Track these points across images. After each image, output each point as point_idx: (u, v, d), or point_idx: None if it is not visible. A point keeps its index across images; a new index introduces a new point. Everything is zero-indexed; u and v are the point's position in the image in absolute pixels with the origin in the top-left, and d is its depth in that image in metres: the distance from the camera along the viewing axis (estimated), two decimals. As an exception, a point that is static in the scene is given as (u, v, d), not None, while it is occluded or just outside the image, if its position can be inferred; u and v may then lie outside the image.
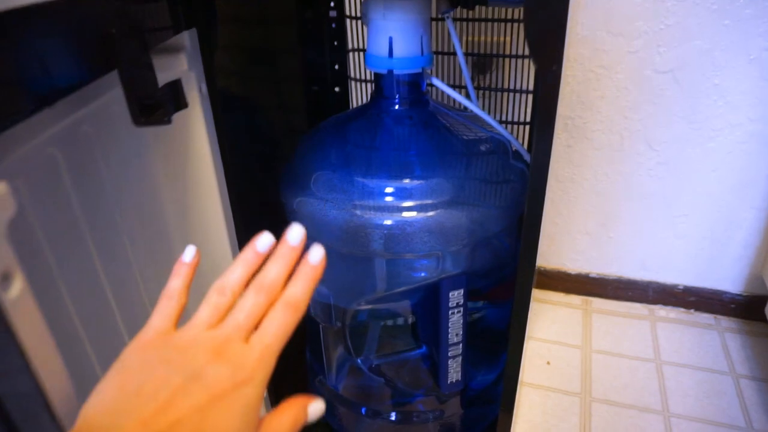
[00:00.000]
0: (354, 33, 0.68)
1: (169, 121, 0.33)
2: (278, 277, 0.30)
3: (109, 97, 0.37)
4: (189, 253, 0.32)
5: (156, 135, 0.45)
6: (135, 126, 0.32)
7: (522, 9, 0.63)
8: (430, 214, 0.45)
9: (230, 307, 0.29)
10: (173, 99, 0.34)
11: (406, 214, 0.45)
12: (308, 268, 0.31)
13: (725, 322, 0.87)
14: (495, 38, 0.68)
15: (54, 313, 0.39)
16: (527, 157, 0.56)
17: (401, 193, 0.46)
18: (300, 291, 0.30)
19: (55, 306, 0.35)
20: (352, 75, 0.70)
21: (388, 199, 0.46)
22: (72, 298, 0.37)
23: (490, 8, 0.65)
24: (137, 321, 0.46)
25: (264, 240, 0.31)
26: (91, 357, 0.39)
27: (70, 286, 0.36)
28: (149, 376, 0.25)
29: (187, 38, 0.43)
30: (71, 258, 0.40)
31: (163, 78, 0.42)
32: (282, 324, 0.28)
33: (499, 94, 0.70)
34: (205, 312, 0.28)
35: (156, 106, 0.33)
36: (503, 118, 0.70)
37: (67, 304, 0.37)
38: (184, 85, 0.44)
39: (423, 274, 0.49)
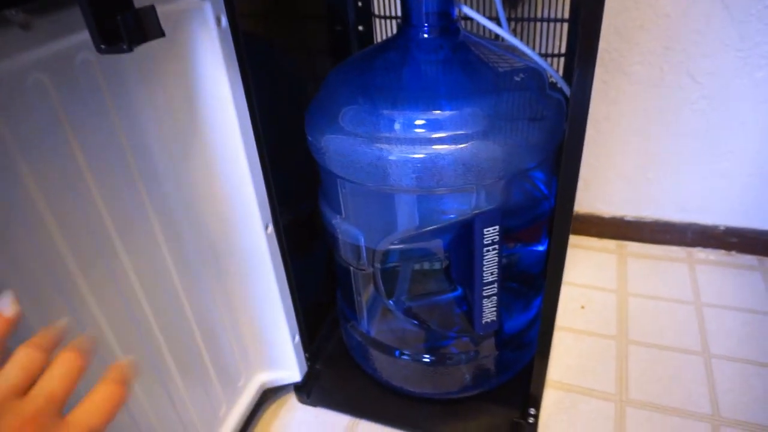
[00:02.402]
0: (377, -35, 0.65)
1: (130, 50, 0.30)
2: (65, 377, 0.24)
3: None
4: (7, 308, 0.25)
5: (166, 69, 0.44)
6: (97, 53, 0.30)
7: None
8: (463, 145, 0.43)
9: (41, 367, 0.23)
10: (142, 26, 0.31)
11: (437, 146, 0.43)
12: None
13: (769, 263, 0.84)
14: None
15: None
16: (565, 87, 0.53)
17: (432, 125, 0.43)
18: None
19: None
20: (376, 12, 0.67)
21: (419, 131, 0.43)
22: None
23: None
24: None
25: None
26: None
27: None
28: None
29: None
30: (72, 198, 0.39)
31: (168, 9, 0.40)
32: (107, 407, 0.23)
33: (531, 24, 0.66)
34: (11, 373, 0.22)
35: (120, 32, 0.30)
36: (536, 50, 0.67)
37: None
38: (196, 17, 0.42)
39: (456, 210, 0.48)
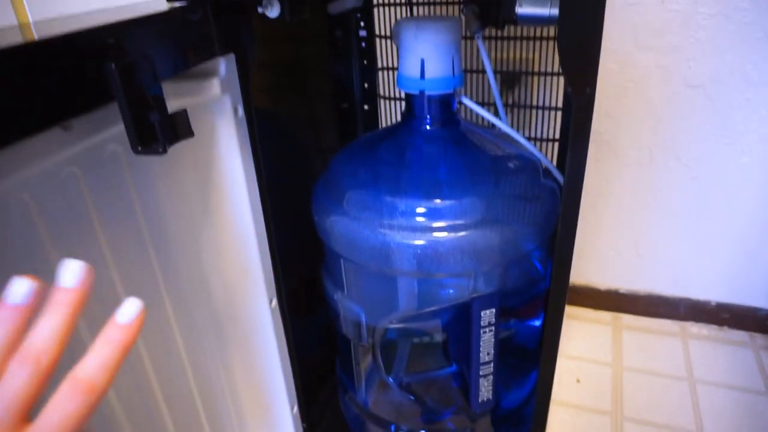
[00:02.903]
0: (383, 52, 0.69)
1: (164, 151, 0.32)
2: (50, 340, 0.21)
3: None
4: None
5: (185, 155, 0.47)
6: (133, 153, 0.33)
7: (553, 27, 0.63)
8: (463, 234, 0.45)
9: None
10: (176, 129, 0.34)
11: (438, 234, 0.45)
12: (115, 332, 0.23)
13: (760, 339, 0.85)
14: (522, 55, 0.69)
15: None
16: (558, 175, 0.56)
17: (434, 213, 0.46)
18: (98, 367, 0.22)
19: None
20: (382, 93, 0.71)
21: (421, 219, 0.46)
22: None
23: (519, 26, 0.65)
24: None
25: (20, 287, 0.22)
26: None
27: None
28: None
29: (222, 63, 0.45)
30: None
31: (191, 102, 0.43)
32: (70, 416, 0.21)
33: (526, 110, 0.70)
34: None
35: (156, 135, 0.32)
36: (531, 135, 0.70)
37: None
38: (216, 109, 0.46)
39: (455, 294, 0.50)
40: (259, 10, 0.41)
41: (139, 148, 0.31)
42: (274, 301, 0.57)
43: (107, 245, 0.40)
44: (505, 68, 0.69)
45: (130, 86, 0.31)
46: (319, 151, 0.69)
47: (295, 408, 0.65)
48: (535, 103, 0.69)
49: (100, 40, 0.31)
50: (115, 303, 0.43)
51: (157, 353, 0.48)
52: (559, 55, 0.36)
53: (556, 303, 0.47)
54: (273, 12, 0.41)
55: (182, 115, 0.34)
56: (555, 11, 0.47)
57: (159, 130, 0.32)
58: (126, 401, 0.45)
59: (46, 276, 0.23)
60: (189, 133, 0.35)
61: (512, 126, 0.68)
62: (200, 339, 0.54)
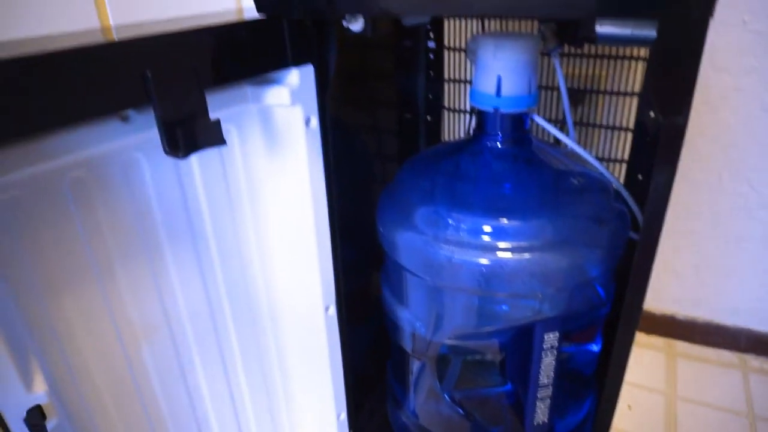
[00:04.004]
0: (450, 63, 0.69)
1: (184, 157, 0.36)
2: None
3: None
4: None
5: (256, 155, 0.48)
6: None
7: (637, 48, 0.62)
8: (532, 255, 0.45)
9: None
10: (197, 139, 0.36)
11: (506, 254, 0.45)
12: None
13: (827, 378, 0.81)
14: (589, 72, 0.67)
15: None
16: (629, 198, 0.54)
17: (503, 233, 0.46)
18: None
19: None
20: (446, 104, 0.71)
21: (489, 238, 0.46)
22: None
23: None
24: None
25: None
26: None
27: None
28: None
29: (295, 73, 0.45)
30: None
31: (261, 107, 0.45)
32: None
33: (590, 129, 0.68)
34: None
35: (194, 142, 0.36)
36: (596, 154, 0.69)
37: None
38: (284, 117, 0.46)
39: (518, 315, 0.49)
40: (344, 23, 0.41)
41: (167, 150, 0.35)
42: (332, 308, 0.57)
43: (164, 230, 0.43)
44: (570, 85, 0.68)
45: (164, 95, 0.34)
46: (380, 160, 0.69)
47: (343, 415, 0.66)
48: (600, 122, 0.68)
49: (148, 48, 0.34)
50: (171, 295, 0.45)
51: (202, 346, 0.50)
52: (650, 76, 0.35)
53: (627, 329, 0.46)
54: (356, 26, 0.41)
55: (212, 125, 0.36)
56: (638, 31, 0.46)
57: (180, 139, 0.34)
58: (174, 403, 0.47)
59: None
60: (217, 141, 0.37)
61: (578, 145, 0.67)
62: (258, 342, 0.56)
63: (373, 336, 0.74)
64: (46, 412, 0.36)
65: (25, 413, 0.35)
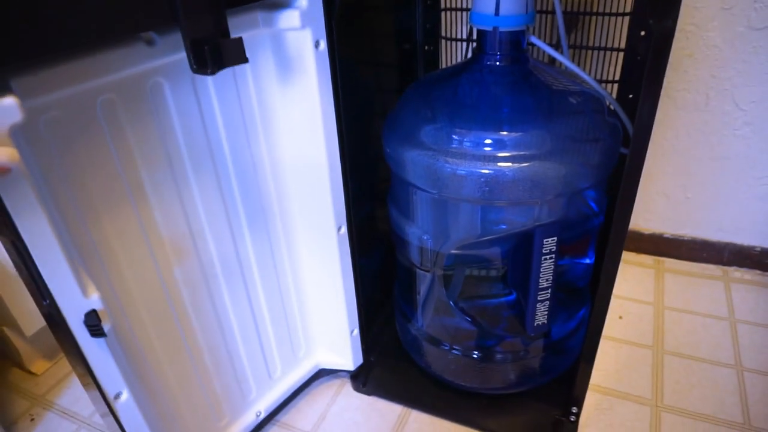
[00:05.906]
0: (446, -8, 0.70)
1: (212, 74, 0.38)
2: None
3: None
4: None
5: (269, 77, 0.50)
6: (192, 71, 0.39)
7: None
8: (531, 164, 0.48)
9: None
10: (223, 56, 0.38)
11: (508, 163, 0.48)
12: None
13: (804, 285, 0.87)
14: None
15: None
16: (623, 115, 0.57)
17: (504, 144, 0.49)
18: None
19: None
20: (443, 34, 0.73)
21: (492, 149, 0.49)
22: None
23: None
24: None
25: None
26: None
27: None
28: None
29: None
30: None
31: (273, 31, 0.47)
32: None
33: (585, 51, 0.71)
34: None
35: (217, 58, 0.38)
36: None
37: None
38: (295, 41, 0.49)
39: (518, 221, 0.53)
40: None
41: (195, 68, 0.38)
42: (343, 228, 0.61)
43: (185, 148, 0.47)
44: (564, 8, 0.70)
45: (190, 14, 0.36)
46: (380, 90, 0.71)
47: (356, 331, 0.71)
48: (591, 43, 0.70)
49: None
50: (196, 217, 0.49)
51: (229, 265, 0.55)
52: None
53: (617, 238, 0.50)
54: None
55: (235, 43, 0.38)
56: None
57: (208, 56, 0.37)
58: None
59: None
60: (240, 59, 0.39)
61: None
62: (275, 262, 0.60)
63: (380, 265, 0.78)
64: (101, 316, 0.40)
65: (83, 317, 0.39)
